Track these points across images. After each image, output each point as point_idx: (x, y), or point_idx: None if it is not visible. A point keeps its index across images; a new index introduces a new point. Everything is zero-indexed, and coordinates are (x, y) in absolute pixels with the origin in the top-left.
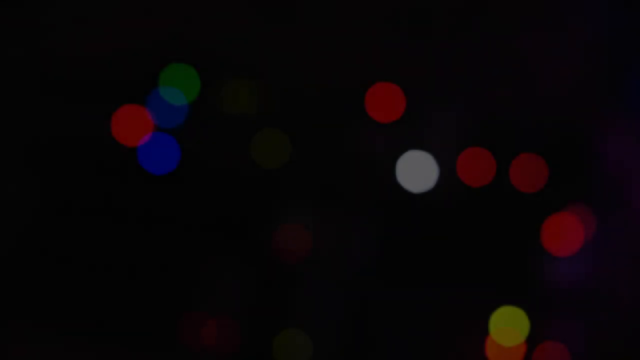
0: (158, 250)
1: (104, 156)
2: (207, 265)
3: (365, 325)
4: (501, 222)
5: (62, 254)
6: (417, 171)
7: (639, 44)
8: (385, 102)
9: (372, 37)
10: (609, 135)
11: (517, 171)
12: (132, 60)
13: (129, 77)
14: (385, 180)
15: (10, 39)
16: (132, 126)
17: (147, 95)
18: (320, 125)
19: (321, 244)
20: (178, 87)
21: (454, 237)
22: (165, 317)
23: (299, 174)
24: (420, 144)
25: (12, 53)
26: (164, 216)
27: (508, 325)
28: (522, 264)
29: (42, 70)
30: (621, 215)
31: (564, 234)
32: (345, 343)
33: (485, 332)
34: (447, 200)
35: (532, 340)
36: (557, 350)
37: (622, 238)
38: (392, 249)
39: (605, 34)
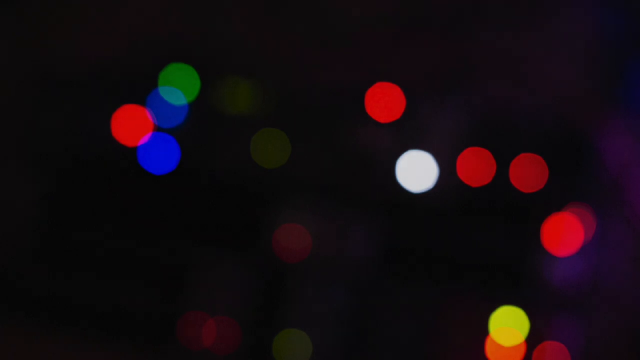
0: (158, 250)
1: (104, 156)
2: (207, 265)
3: (365, 325)
4: (501, 222)
5: (62, 253)
6: (417, 171)
7: (639, 43)
8: (385, 102)
9: (372, 37)
10: (609, 135)
11: (517, 171)
12: (132, 60)
13: (129, 77)
14: (385, 180)
15: (10, 40)
16: (132, 126)
17: (147, 95)
18: (320, 125)
19: (321, 243)
20: (178, 87)
21: (454, 236)
22: (165, 317)
23: (299, 174)
24: (420, 144)
25: (12, 53)
26: (164, 216)
27: (508, 325)
28: (522, 264)
29: (42, 70)
30: (621, 215)
31: (564, 234)
32: (345, 343)
33: (485, 332)
34: (447, 200)
35: (532, 340)
36: (557, 350)
37: (622, 238)
38: (392, 249)
39: (605, 34)
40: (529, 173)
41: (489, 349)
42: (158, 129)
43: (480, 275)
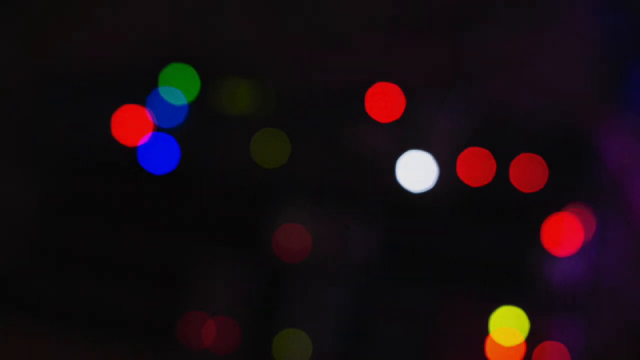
0: (158, 250)
1: (104, 156)
2: (207, 265)
3: (365, 325)
4: (501, 222)
5: (62, 253)
6: (417, 171)
7: (639, 43)
8: (385, 102)
9: (372, 37)
10: (609, 135)
11: (517, 171)
12: (132, 60)
13: (129, 77)
14: (385, 180)
15: (10, 39)
16: (132, 126)
17: (147, 95)
18: (320, 125)
19: (321, 244)
20: (178, 87)
21: (453, 236)
22: (165, 317)
23: (299, 174)
24: (420, 144)
25: (12, 53)
26: (164, 216)
27: (508, 325)
28: (522, 264)
29: (42, 70)
30: (621, 215)
31: (564, 234)
32: (345, 343)
33: (485, 332)
34: (447, 200)
35: (532, 340)
36: (557, 350)
37: (622, 238)
38: (392, 249)
39: (605, 34)
40: (529, 173)
41: (489, 349)
42: (158, 129)
43: (480, 275)
